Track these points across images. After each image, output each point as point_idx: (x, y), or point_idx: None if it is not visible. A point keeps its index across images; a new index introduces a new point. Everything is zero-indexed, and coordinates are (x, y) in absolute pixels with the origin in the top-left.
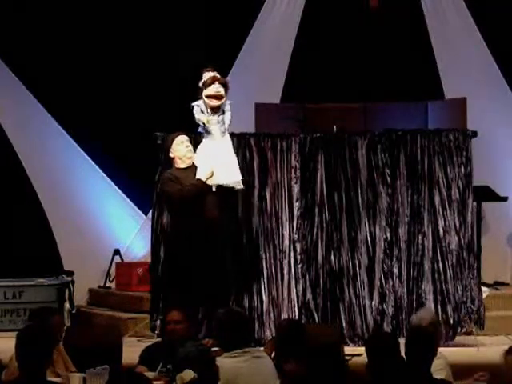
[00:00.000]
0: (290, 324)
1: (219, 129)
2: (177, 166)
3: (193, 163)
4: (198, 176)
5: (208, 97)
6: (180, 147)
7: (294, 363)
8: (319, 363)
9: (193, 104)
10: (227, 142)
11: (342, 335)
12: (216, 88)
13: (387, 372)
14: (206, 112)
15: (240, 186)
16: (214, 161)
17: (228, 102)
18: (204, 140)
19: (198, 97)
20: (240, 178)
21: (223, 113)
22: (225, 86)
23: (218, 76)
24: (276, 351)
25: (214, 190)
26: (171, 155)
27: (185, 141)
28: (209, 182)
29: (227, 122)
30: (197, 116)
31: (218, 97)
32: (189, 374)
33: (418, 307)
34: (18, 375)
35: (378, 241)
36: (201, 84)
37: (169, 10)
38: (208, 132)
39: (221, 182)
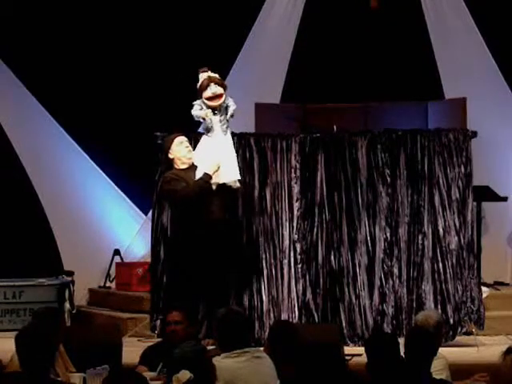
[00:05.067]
0: (280, 325)
1: (221, 127)
2: (177, 167)
3: (193, 163)
4: (205, 170)
5: (207, 99)
6: (179, 148)
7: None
8: (319, 363)
9: (194, 103)
10: (229, 141)
11: (342, 335)
12: (213, 89)
13: (387, 372)
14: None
15: (237, 185)
16: (218, 157)
17: (230, 98)
18: (204, 137)
19: (197, 98)
20: (238, 177)
21: (225, 111)
22: (221, 84)
23: (213, 75)
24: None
25: (214, 188)
26: (171, 156)
27: (184, 141)
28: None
29: (231, 113)
30: (195, 113)
31: (217, 96)
32: (185, 374)
33: (418, 307)
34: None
35: (378, 241)
36: (198, 86)
37: (169, 9)
38: (209, 130)
39: (221, 181)
